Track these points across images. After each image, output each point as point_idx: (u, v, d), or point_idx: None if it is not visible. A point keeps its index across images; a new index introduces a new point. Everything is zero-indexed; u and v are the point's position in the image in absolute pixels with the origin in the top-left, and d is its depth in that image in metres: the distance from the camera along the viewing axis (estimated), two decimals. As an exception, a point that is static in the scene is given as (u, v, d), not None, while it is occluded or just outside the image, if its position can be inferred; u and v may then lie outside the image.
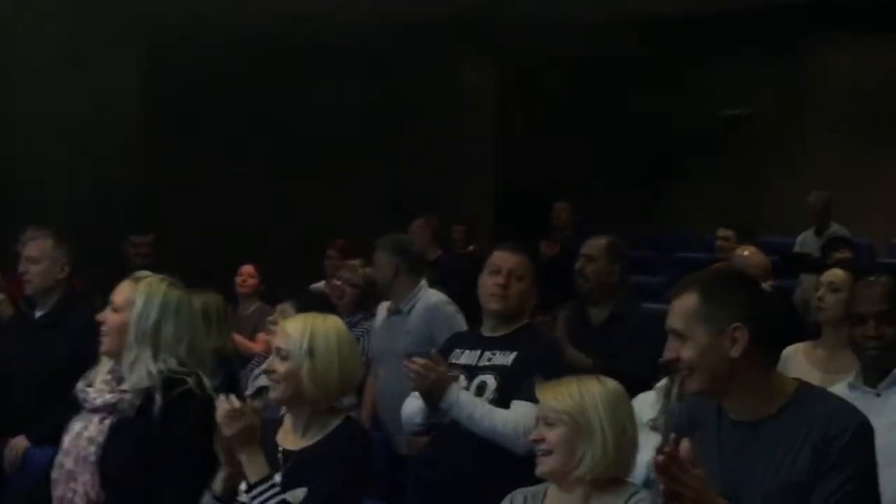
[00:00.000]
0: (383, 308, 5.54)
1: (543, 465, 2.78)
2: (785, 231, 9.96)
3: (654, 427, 3.41)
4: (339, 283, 6.14)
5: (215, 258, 7.71)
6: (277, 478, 2.96)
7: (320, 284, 7.20)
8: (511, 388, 3.75)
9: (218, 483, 3.00)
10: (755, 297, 2.52)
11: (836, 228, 9.37)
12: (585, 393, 2.79)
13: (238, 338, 6.24)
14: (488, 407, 3.73)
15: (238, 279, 7.13)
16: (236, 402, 2.94)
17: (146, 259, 7.26)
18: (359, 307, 5.99)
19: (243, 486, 2.98)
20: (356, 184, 10.87)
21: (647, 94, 12.47)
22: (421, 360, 3.70)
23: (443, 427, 3.88)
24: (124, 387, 3.13)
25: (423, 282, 5.39)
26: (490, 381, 3.83)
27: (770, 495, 2.39)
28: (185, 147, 9.42)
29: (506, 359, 3.85)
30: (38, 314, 4.70)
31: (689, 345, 2.45)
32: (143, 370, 3.11)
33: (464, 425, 3.72)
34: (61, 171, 8.56)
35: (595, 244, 5.03)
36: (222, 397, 2.96)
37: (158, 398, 3.07)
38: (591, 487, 2.76)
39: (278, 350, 3.08)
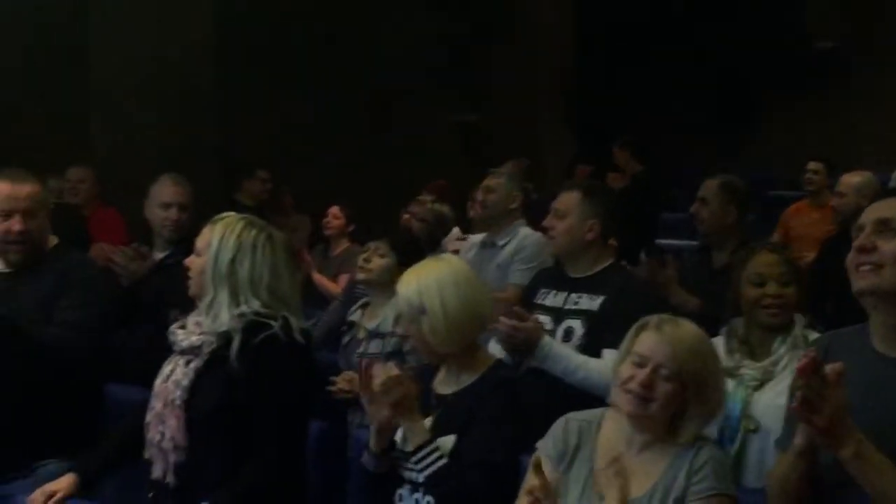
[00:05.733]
0: (475, 239, 5.56)
1: (631, 407, 2.59)
2: (875, 168, 9.65)
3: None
4: (407, 216, 6.22)
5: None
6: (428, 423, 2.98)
7: None
8: (599, 334, 3.65)
9: (372, 441, 3.04)
10: None
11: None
12: (700, 346, 2.64)
13: (318, 277, 6.39)
14: (582, 358, 3.62)
15: (324, 220, 7.13)
16: (394, 370, 2.95)
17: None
18: (427, 242, 5.90)
19: (399, 445, 3.04)
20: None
21: (726, 24, 12.11)
22: (509, 322, 3.58)
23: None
24: (205, 329, 3.08)
25: (523, 220, 5.45)
26: (577, 326, 3.73)
27: None
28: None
29: (593, 303, 3.75)
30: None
31: None
32: (222, 313, 3.03)
33: (556, 376, 3.64)
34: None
35: (708, 185, 4.87)
36: (376, 366, 2.96)
37: (236, 342, 2.99)
38: (663, 432, 2.61)
39: (401, 315, 3.18)
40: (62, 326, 3.53)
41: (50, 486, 3.17)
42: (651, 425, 2.61)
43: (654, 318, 2.65)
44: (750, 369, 3.28)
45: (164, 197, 4.73)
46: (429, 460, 2.93)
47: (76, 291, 3.59)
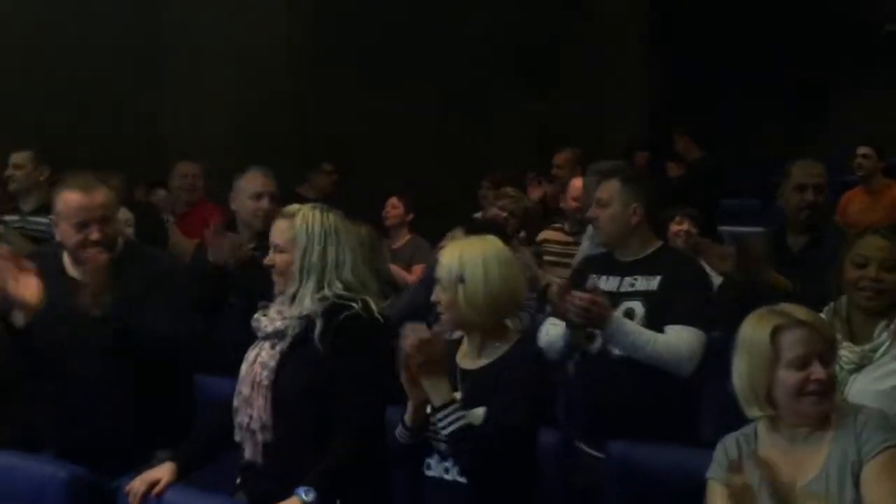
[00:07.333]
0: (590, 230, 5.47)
1: (822, 405, 2.64)
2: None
3: None
4: (502, 212, 6.19)
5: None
6: (458, 396, 3.01)
7: (479, 215, 7.15)
8: (661, 312, 3.74)
9: (408, 415, 3.09)
10: None
11: None
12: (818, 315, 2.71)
13: (395, 268, 6.33)
14: (650, 333, 3.70)
15: (384, 211, 7.15)
16: (424, 332, 3.00)
17: None
18: (513, 235, 5.89)
19: (429, 410, 3.06)
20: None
21: (794, 7, 11.94)
22: (585, 296, 3.66)
23: (588, 352, 3.89)
24: (287, 315, 3.23)
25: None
26: (637, 307, 3.79)
27: None
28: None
29: (650, 283, 3.82)
30: None
31: None
32: (306, 299, 3.19)
33: (623, 352, 3.73)
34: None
35: (819, 171, 4.78)
36: (409, 326, 3.02)
37: (319, 323, 3.14)
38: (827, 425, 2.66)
39: (438, 281, 3.14)
40: (153, 329, 3.52)
41: (151, 474, 3.28)
42: (824, 414, 2.66)
43: (776, 318, 2.66)
44: (848, 352, 3.25)
45: (257, 187, 4.79)
46: (450, 419, 2.95)
47: (158, 294, 3.60)
